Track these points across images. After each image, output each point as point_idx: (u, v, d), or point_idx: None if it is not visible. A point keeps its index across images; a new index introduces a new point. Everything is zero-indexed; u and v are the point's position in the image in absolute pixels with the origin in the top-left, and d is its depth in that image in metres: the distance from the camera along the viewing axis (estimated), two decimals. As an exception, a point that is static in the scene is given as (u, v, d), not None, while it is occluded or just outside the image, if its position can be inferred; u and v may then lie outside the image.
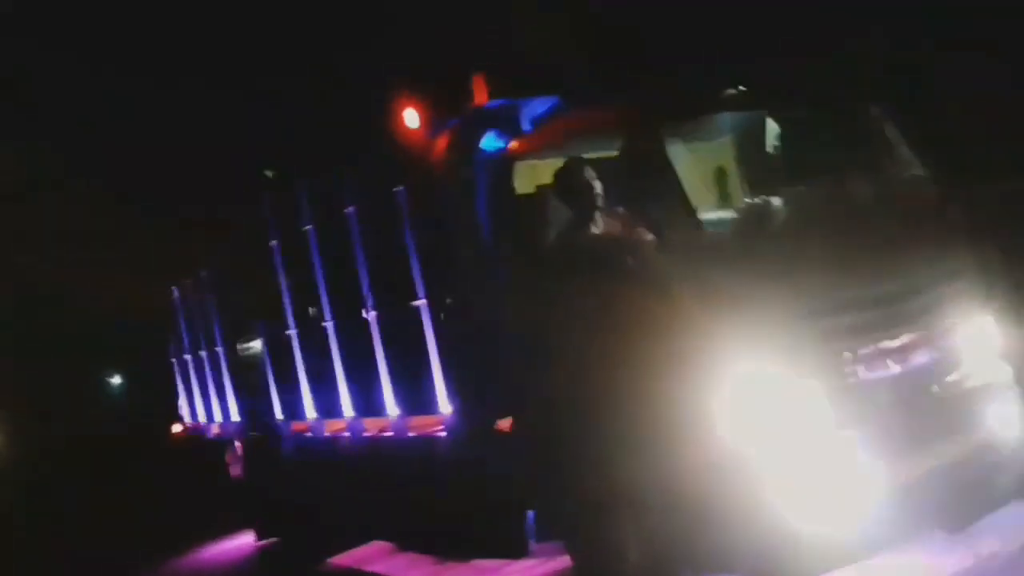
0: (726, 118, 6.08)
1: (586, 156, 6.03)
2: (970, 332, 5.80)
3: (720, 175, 6.05)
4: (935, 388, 5.61)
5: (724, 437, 5.17)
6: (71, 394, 25.88)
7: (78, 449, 19.84)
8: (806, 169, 6.03)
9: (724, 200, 6.01)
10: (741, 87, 5.80)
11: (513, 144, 6.42)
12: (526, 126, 6.50)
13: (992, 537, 5.68)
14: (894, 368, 5.49)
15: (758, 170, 6.12)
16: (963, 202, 6.46)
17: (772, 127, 6.09)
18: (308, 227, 8.32)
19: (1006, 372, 5.95)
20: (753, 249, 5.43)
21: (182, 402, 12.51)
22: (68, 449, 20.43)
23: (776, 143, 6.09)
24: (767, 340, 5.17)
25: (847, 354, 5.36)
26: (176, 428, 12.60)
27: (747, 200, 5.81)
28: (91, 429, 20.85)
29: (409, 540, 8.35)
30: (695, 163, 5.91)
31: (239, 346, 10.43)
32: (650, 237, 5.42)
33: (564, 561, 6.38)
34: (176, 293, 12.01)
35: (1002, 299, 6.10)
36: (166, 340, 12.51)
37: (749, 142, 6.17)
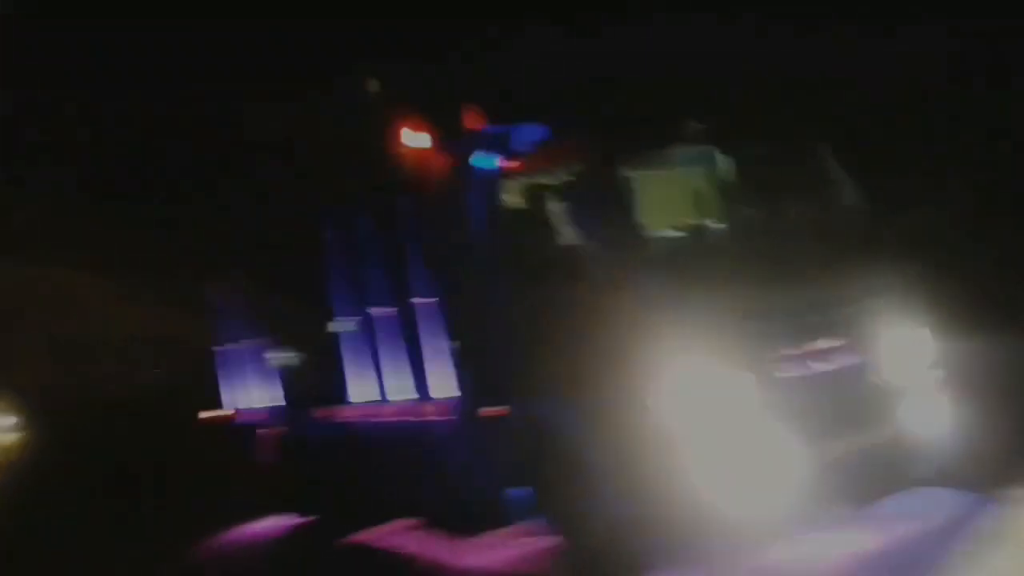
0: (684, 150, 6.98)
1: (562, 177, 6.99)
2: (893, 340, 6.65)
3: (677, 199, 6.91)
4: (856, 386, 6.47)
5: (664, 422, 6.06)
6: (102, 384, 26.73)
7: (110, 434, 20.56)
8: (755, 196, 6.93)
9: (679, 220, 6.89)
10: (694, 124, 6.69)
11: (504, 165, 7.34)
12: (516, 150, 7.40)
13: (905, 519, 6.51)
14: (818, 367, 6.37)
15: (713, 195, 7.03)
16: (901, 228, 7.33)
17: (726, 158, 7.00)
18: (332, 234, 9.34)
19: (929, 376, 6.79)
20: (695, 262, 6.33)
21: (222, 390, 13.47)
22: (99, 434, 21.14)
23: (729, 173, 6.98)
24: (704, 339, 6.05)
25: (775, 353, 6.23)
26: (213, 414, 13.44)
27: (693, 221, 6.71)
28: (122, 419, 21.53)
29: (419, 516, 9.28)
30: (654, 187, 6.81)
31: (275, 339, 11.37)
32: (603, 249, 6.35)
33: (552, 537, 7.18)
34: (215, 291, 13.02)
35: (931, 313, 6.92)
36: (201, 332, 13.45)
37: (705, 170, 7.08)
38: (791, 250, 6.57)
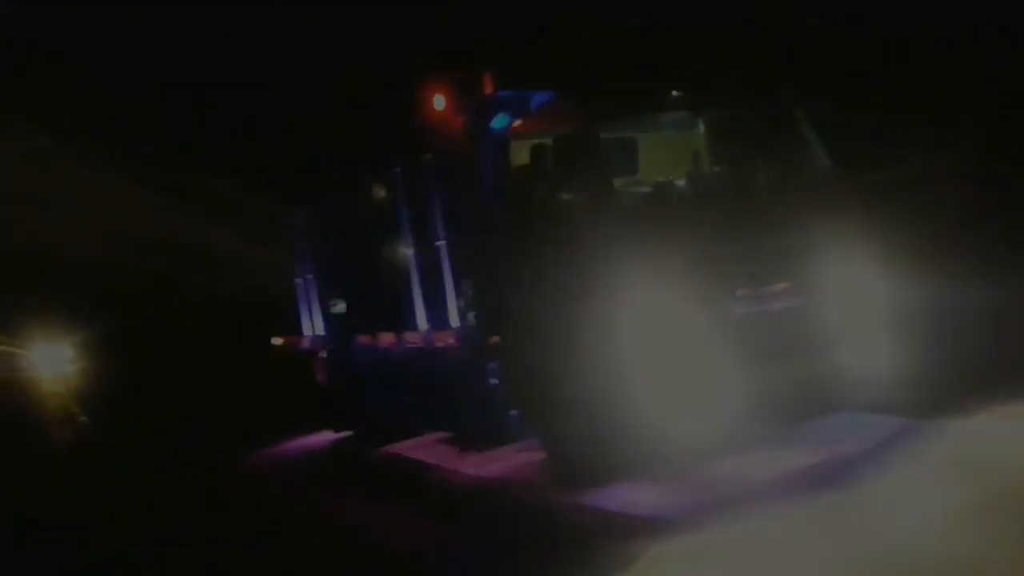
0: (664, 114, 7.95)
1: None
2: (841, 283, 7.60)
3: (656, 157, 7.91)
4: (802, 322, 7.46)
5: (630, 352, 7.11)
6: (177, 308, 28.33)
7: (185, 358, 22.04)
8: (726, 156, 7.89)
9: (657, 176, 7.90)
10: (674, 91, 7.64)
11: (514, 126, 8.37)
12: (526, 113, 8.41)
13: (838, 440, 7.52)
14: (770, 305, 7.37)
15: (688, 155, 8.01)
16: (865, 186, 8.20)
17: (701, 122, 7.96)
18: (364, 186, 10.55)
19: (873, 315, 7.72)
20: (666, 212, 7.37)
21: (286, 318, 14.76)
22: (175, 358, 22.71)
23: (703, 135, 7.94)
24: (669, 278, 7.08)
25: (729, 292, 7.25)
26: (277, 340, 14.73)
27: (661, 178, 7.70)
28: (196, 347, 22.97)
29: (440, 431, 10.51)
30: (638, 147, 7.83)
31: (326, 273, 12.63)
32: (585, 201, 7.38)
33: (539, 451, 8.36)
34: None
35: (880, 261, 7.81)
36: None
37: (682, 133, 8.05)
38: (754, 203, 7.56)
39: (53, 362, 33.16)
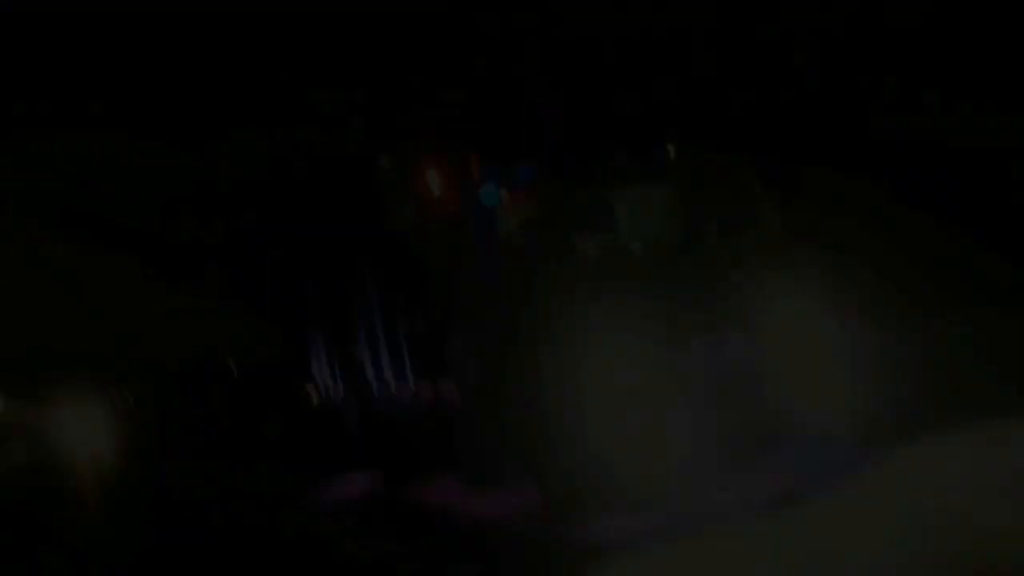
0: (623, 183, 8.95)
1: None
2: (789, 331, 8.48)
3: (617, 220, 8.90)
4: (753, 366, 8.35)
5: (602, 396, 8.04)
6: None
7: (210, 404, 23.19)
8: (679, 216, 8.87)
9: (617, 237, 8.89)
10: (629, 161, 8.64)
11: (501, 198, 9.36)
12: (511, 186, 9.39)
13: (791, 470, 8.30)
14: (722, 350, 8.28)
15: (645, 215, 9.01)
16: (810, 236, 9.09)
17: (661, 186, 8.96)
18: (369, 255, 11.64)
19: (818, 359, 8.59)
20: (617, 271, 8.33)
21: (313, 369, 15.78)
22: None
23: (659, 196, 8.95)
24: (621, 333, 8.00)
25: (675, 342, 8.16)
26: (311, 388, 15.76)
27: (620, 238, 8.71)
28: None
29: (452, 475, 11.40)
30: (599, 211, 8.81)
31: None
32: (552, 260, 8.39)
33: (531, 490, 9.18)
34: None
35: (829, 309, 8.66)
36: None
37: (641, 194, 9.07)
38: (705, 256, 8.53)
39: (82, 424, 34.73)
